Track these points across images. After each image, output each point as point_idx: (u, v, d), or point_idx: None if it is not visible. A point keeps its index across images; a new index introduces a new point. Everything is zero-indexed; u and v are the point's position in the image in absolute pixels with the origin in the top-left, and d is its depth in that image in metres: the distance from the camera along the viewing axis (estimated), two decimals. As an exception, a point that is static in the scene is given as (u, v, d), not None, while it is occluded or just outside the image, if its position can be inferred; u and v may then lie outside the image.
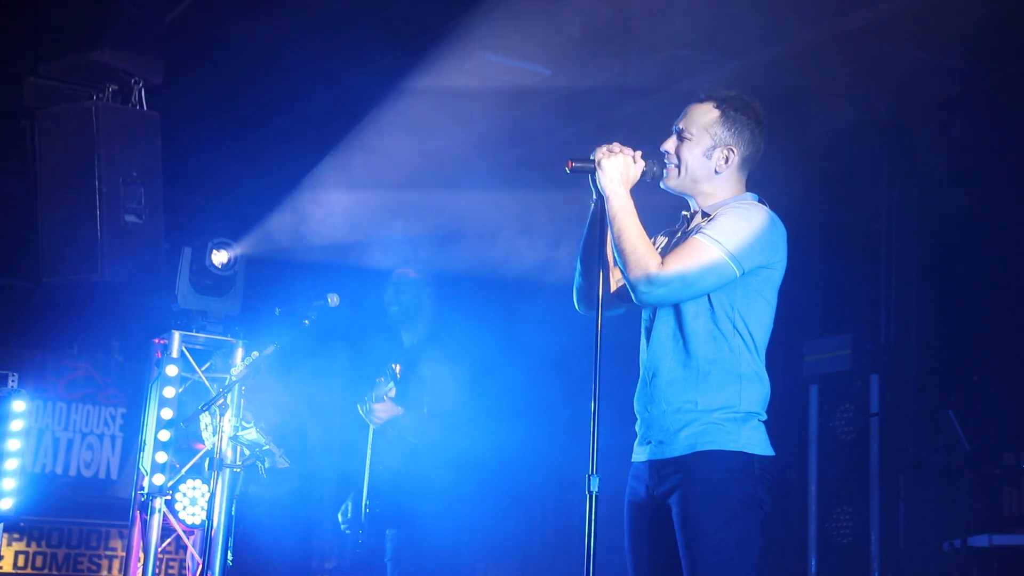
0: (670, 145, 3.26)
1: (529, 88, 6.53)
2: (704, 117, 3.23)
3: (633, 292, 3.08)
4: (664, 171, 3.24)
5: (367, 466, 5.41)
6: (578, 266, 3.29)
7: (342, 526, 5.63)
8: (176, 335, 6.72)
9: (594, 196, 3.20)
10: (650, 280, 3.03)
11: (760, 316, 3.12)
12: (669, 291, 3.05)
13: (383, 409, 5.28)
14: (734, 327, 3.08)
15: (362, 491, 5.51)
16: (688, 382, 3.08)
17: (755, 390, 3.09)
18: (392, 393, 5.28)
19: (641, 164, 3.19)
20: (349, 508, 5.56)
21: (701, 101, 3.26)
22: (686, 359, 3.10)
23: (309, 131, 6.87)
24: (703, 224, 3.13)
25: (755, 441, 3.07)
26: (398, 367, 5.28)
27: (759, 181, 3.36)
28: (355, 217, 6.64)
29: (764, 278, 3.11)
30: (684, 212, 3.31)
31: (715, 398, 3.05)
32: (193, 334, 6.77)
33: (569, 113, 6.68)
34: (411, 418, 5.32)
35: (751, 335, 3.09)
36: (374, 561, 5.41)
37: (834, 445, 6.41)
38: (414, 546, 5.29)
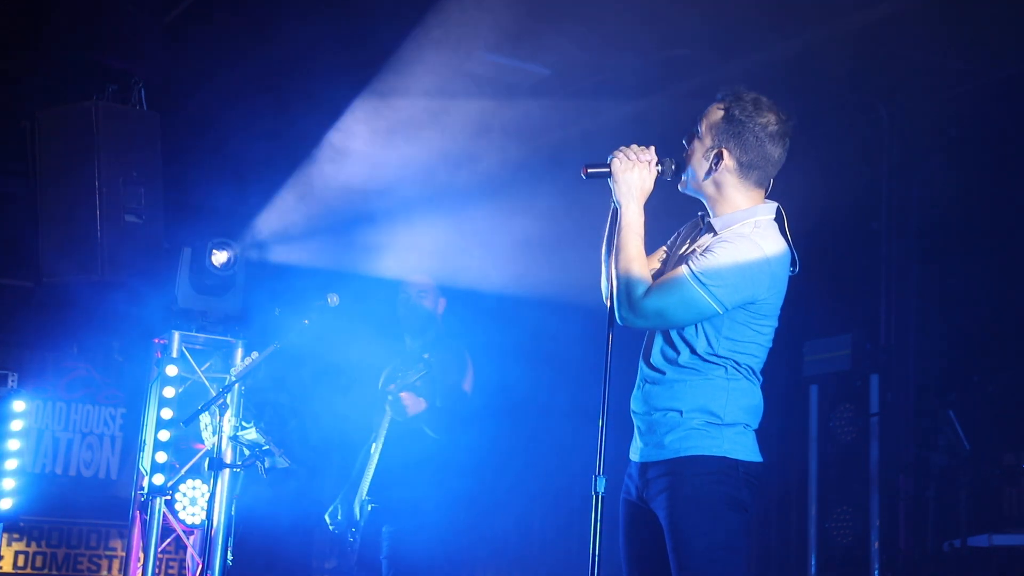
0: (687, 141, 3.25)
1: (529, 88, 6.54)
2: (713, 117, 3.18)
3: (616, 314, 3.09)
4: (681, 175, 3.22)
5: (373, 462, 5.40)
6: (603, 267, 3.27)
7: (330, 526, 5.60)
8: (176, 335, 6.72)
9: (613, 198, 3.19)
10: (631, 308, 3.04)
11: (747, 344, 3.09)
12: (647, 323, 3.08)
13: (411, 400, 5.29)
14: (717, 354, 3.07)
15: (354, 490, 5.49)
16: (676, 390, 3.09)
17: (740, 401, 3.09)
18: (418, 383, 5.30)
19: (655, 171, 3.18)
20: (339, 510, 5.54)
21: (717, 101, 3.21)
22: (675, 368, 3.11)
23: (309, 131, 6.87)
24: (696, 250, 3.10)
25: (740, 446, 3.07)
26: (427, 356, 5.30)
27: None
28: (355, 216, 6.64)
29: (753, 311, 3.08)
30: (700, 212, 3.28)
31: (699, 407, 3.06)
32: (193, 334, 6.77)
33: (569, 113, 6.68)
34: (430, 412, 5.34)
35: (735, 360, 3.08)
36: (371, 558, 5.39)
37: (834, 445, 6.40)
38: (412, 543, 5.28)
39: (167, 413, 6.61)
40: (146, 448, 6.64)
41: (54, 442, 8.52)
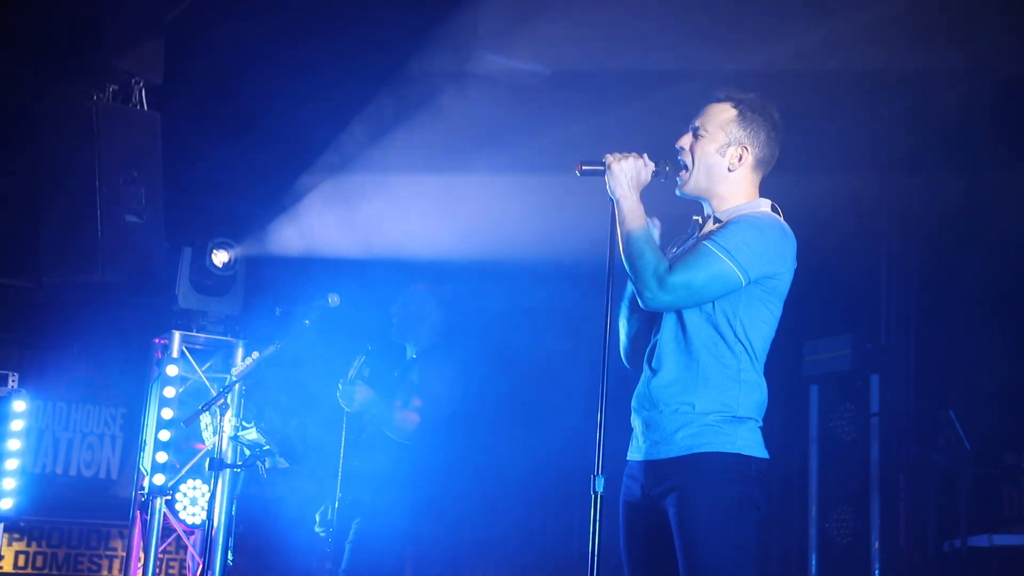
0: (685, 141, 3.27)
1: (529, 88, 6.53)
2: (721, 116, 3.24)
3: (640, 297, 3.10)
4: (677, 176, 3.25)
5: (340, 456, 5.35)
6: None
7: (317, 528, 5.53)
8: (176, 335, 6.73)
9: (610, 193, 3.21)
10: (659, 286, 3.05)
11: (761, 325, 3.12)
12: (675, 298, 3.07)
13: (360, 391, 5.25)
14: (735, 334, 3.09)
15: (333, 493, 5.43)
16: (687, 385, 3.09)
17: (753, 396, 3.11)
18: (366, 372, 5.25)
19: (651, 166, 3.21)
20: (329, 510, 5.49)
21: (719, 101, 3.27)
22: (687, 362, 3.11)
23: (309, 131, 6.87)
24: (714, 230, 3.14)
25: (751, 443, 3.08)
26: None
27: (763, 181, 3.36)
28: (355, 216, 6.64)
29: (769, 288, 3.12)
30: (696, 217, 3.31)
31: (713, 401, 3.06)
32: (193, 334, 6.79)
33: (569, 113, 6.68)
34: (382, 407, 5.27)
35: (751, 343, 3.10)
36: (341, 554, 5.34)
37: (834, 445, 6.41)
38: (376, 534, 5.18)
39: (167, 413, 6.62)
40: (146, 448, 6.65)
41: (54, 442, 8.52)
